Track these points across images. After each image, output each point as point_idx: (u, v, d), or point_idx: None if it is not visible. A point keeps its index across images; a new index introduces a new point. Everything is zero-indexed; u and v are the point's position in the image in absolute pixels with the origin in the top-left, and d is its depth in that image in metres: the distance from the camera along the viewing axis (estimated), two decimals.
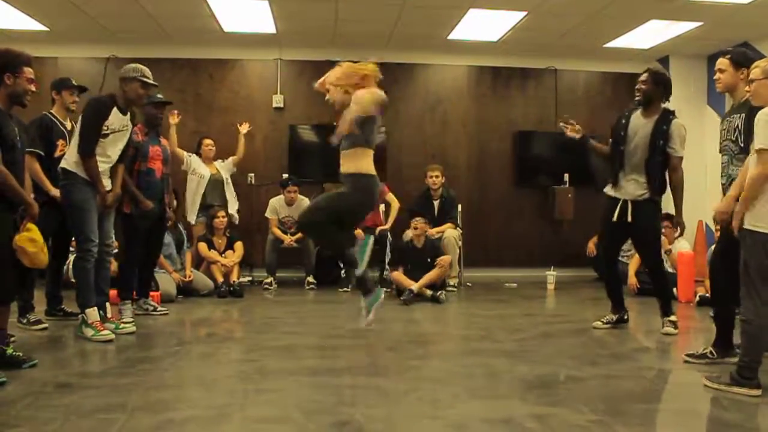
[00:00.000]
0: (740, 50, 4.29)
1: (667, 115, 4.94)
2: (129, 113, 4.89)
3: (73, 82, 5.31)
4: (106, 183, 4.79)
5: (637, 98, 5.02)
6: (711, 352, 4.06)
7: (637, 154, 4.98)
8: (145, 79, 4.84)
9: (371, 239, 4.56)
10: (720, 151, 4.18)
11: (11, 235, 3.74)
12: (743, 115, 3.98)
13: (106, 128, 4.67)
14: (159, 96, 5.55)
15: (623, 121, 5.10)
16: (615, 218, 5.02)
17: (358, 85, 4.37)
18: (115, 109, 4.73)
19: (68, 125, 5.22)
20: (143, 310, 5.69)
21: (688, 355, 4.13)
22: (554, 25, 7.77)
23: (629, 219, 4.98)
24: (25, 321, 4.92)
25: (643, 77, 5.00)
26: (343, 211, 4.36)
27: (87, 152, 4.61)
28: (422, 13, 7.39)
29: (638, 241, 5.25)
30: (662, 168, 4.96)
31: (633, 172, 5.00)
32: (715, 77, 4.29)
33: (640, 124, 4.99)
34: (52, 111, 5.20)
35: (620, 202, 5.03)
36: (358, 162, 4.31)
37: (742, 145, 3.97)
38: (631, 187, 5.01)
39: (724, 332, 4.09)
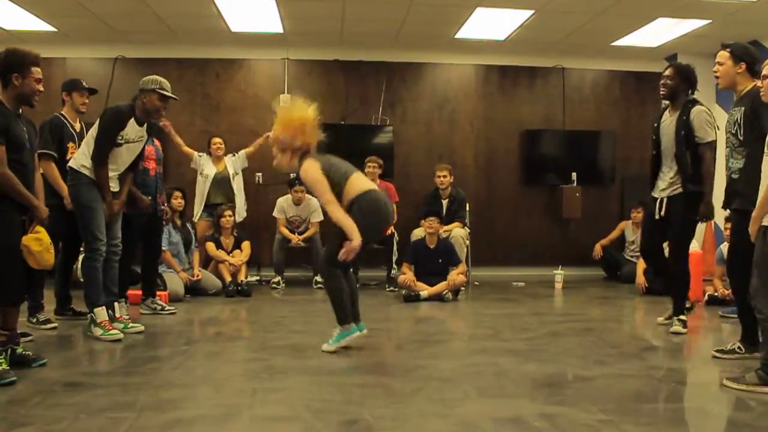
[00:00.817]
0: (741, 44, 4.29)
1: (688, 105, 4.86)
2: (146, 124, 4.90)
3: (84, 83, 5.32)
4: (113, 186, 4.81)
5: (662, 93, 4.99)
6: (739, 347, 4.06)
7: (667, 151, 4.95)
8: (163, 92, 4.85)
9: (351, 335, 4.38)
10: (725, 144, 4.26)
11: (19, 238, 3.75)
12: (743, 108, 4.07)
13: (120, 137, 4.70)
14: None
15: (655, 125, 5.09)
16: (656, 216, 4.98)
17: (300, 143, 4.33)
18: (132, 120, 4.75)
19: (77, 127, 5.24)
20: (151, 309, 5.70)
21: (717, 351, 4.11)
22: (561, 24, 7.76)
23: (662, 214, 4.95)
24: (34, 320, 4.94)
25: (668, 72, 4.96)
26: (365, 237, 4.20)
27: (99, 161, 4.64)
28: (429, 12, 7.39)
29: (670, 235, 5.07)
30: (692, 160, 4.83)
31: (666, 169, 4.97)
32: (714, 69, 4.31)
33: (667, 122, 4.97)
34: (62, 112, 5.22)
35: (658, 201, 5.00)
36: (352, 189, 4.25)
37: (741, 138, 4.04)
38: (665, 184, 4.97)
39: (750, 328, 4.08)
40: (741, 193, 4.00)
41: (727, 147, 4.21)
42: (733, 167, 4.11)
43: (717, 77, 4.31)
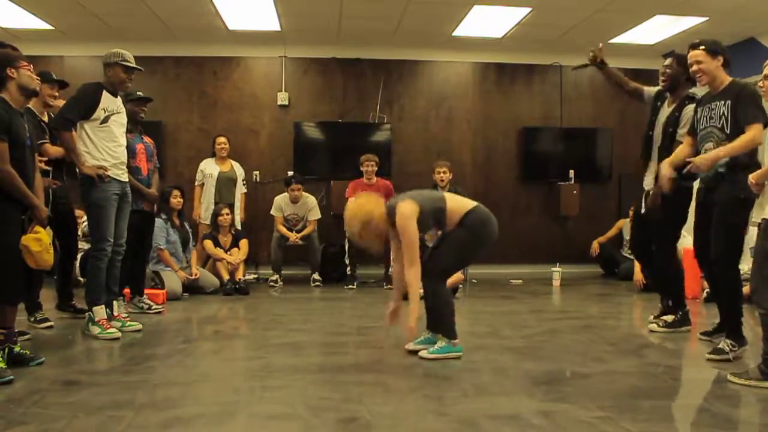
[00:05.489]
0: (710, 39, 4.28)
1: (684, 101, 4.77)
2: (119, 96, 4.89)
3: (54, 75, 5.22)
4: (122, 174, 4.82)
5: (662, 82, 4.92)
6: (732, 345, 4.01)
7: (657, 143, 4.89)
8: (126, 63, 4.82)
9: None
10: (698, 138, 4.29)
11: (19, 237, 3.75)
12: (728, 102, 4.06)
13: (104, 111, 4.68)
14: (139, 93, 5.51)
15: (658, 103, 4.98)
16: (643, 210, 4.99)
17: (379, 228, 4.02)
18: (104, 92, 4.73)
19: (45, 119, 5.16)
20: (138, 308, 5.69)
21: (712, 352, 4.07)
22: (559, 21, 7.75)
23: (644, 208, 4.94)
24: (32, 319, 4.93)
25: (668, 62, 4.88)
26: (474, 253, 4.25)
27: (64, 124, 4.59)
28: (427, 9, 7.38)
29: (652, 231, 5.00)
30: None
31: (654, 161, 4.90)
32: (693, 69, 4.26)
33: (664, 112, 4.90)
34: (29, 105, 5.13)
35: (644, 193, 4.97)
36: (456, 212, 4.09)
37: (728, 132, 4.05)
38: (652, 177, 4.90)
39: (733, 321, 4.12)
40: (731, 180, 4.03)
41: (709, 141, 4.16)
42: (720, 161, 4.11)
43: (699, 76, 4.25)
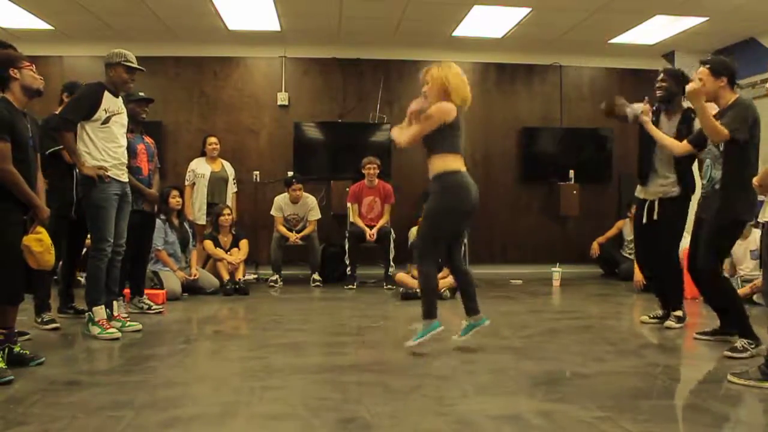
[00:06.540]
0: (718, 58, 4.33)
1: (689, 115, 4.87)
2: (120, 97, 4.90)
3: None
4: (122, 174, 4.82)
5: (659, 96, 5.05)
6: (749, 343, 4.05)
7: (664, 155, 4.99)
8: (129, 64, 4.83)
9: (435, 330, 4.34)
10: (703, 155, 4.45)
11: (20, 237, 3.75)
12: (724, 121, 4.11)
13: (105, 112, 4.68)
14: (141, 94, 5.51)
15: (653, 118, 5.10)
16: (645, 220, 5.08)
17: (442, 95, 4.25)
18: (106, 92, 4.73)
19: None
20: (138, 308, 5.69)
21: (729, 350, 4.09)
22: (559, 21, 7.76)
23: (655, 217, 5.02)
24: (39, 320, 4.92)
25: (661, 77, 5.05)
26: (441, 222, 4.25)
27: (66, 124, 4.59)
28: (427, 9, 7.38)
29: (659, 236, 5.12)
30: (689, 166, 4.99)
31: (661, 171, 5.02)
32: None
33: (665, 127, 5.01)
34: (57, 113, 5.16)
35: (647, 203, 5.08)
36: (440, 163, 4.23)
37: (721, 149, 4.16)
38: (660, 187, 5.02)
39: (744, 324, 4.17)
40: (723, 199, 4.14)
41: (708, 157, 4.32)
42: (716, 177, 4.21)
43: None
